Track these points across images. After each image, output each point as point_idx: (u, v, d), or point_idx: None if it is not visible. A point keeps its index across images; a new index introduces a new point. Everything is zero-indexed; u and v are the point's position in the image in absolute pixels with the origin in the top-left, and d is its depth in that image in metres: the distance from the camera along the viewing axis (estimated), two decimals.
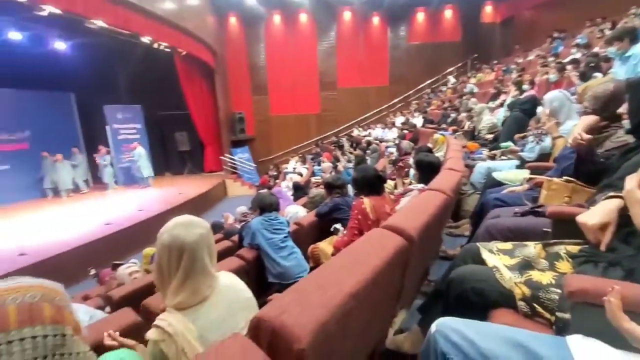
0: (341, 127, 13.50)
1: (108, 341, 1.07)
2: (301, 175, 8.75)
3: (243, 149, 13.13)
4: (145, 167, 10.59)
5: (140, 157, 10.50)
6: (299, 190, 6.29)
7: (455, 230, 3.28)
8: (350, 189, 3.46)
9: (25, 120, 9.62)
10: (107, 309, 2.37)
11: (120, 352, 0.79)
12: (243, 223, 3.78)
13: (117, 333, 1.10)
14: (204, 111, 12.09)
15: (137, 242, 6.09)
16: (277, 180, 10.10)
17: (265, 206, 2.77)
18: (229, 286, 1.18)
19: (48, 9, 6.05)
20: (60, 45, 9.59)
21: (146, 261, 4.26)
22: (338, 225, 2.79)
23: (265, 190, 6.92)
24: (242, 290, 1.21)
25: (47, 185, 9.81)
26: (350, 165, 7.29)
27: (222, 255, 2.43)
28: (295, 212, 3.59)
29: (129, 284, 2.57)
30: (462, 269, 1.29)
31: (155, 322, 1.03)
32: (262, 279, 2.52)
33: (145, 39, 8.47)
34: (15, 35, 8.49)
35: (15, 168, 9.39)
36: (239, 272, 1.26)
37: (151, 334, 1.01)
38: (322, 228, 3.05)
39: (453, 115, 7.91)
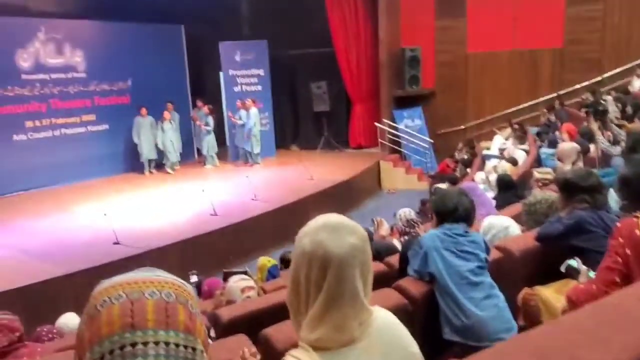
0: (605, 75, 12.13)
1: None
2: (515, 163, 8.40)
3: (413, 112, 13.44)
4: (257, 137, 12.20)
5: (255, 122, 12.07)
6: (509, 190, 6.15)
7: None
8: (612, 197, 3.29)
9: (126, 65, 12.31)
10: (212, 332, 2.93)
11: None
12: (408, 236, 3.97)
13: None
14: (357, 47, 12.93)
15: (250, 243, 7.18)
16: (469, 169, 9.96)
17: (448, 212, 2.85)
18: (388, 328, 1.32)
19: None
20: None
21: (261, 275, 5.01)
22: (575, 263, 2.72)
23: (446, 185, 6.97)
24: (404, 338, 1.34)
25: (149, 157, 12.00)
26: (617, 149, 6.57)
27: None
28: (503, 227, 3.61)
29: (241, 304, 3.10)
30: None
31: (284, 359, 1.26)
32: (434, 332, 2.62)
33: None
34: None
35: (116, 129, 12.17)
36: (398, 315, 1.39)
37: None
38: (546, 261, 3.01)
39: None
